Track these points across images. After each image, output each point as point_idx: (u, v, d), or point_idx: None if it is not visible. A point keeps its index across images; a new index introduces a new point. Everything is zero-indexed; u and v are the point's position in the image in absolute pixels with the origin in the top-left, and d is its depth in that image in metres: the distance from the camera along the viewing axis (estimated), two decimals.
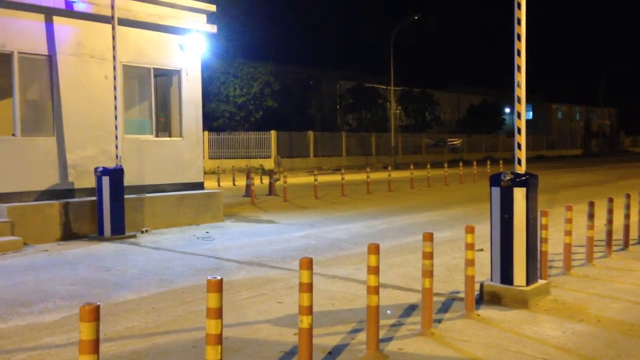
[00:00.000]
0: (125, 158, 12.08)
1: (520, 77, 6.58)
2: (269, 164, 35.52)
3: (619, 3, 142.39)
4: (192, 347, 5.22)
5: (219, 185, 23.79)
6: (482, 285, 6.66)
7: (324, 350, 5.10)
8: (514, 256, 6.45)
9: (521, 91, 6.58)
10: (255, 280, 7.80)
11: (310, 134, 42.00)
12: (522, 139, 6.58)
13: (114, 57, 11.52)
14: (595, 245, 8.89)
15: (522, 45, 6.57)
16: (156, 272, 8.34)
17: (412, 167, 24.35)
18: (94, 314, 3.11)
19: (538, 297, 6.54)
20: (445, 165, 26.70)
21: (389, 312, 6.00)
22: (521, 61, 6.57)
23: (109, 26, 11.68)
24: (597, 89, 77.59)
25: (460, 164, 28.64)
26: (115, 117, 11.62)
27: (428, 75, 69.29)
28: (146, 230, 11.95)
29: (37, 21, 11.29)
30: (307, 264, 4.43)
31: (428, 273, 5.51)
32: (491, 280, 6.68)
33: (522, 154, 6.57)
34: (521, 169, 6.55)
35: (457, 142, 55.95)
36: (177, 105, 13.76)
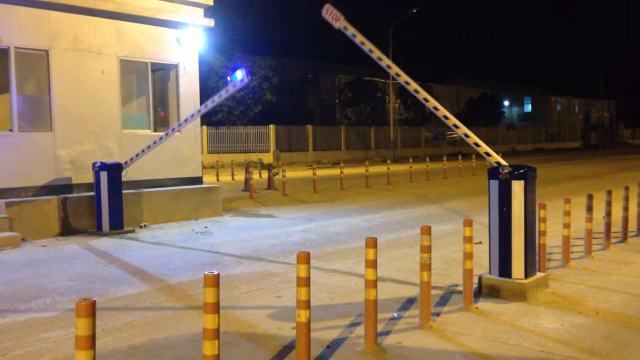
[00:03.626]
0: (123, 153, 12.06)
1: (433, 104, 7.04)
2: (267, 158, 35.49)
3: None
4: (190, 342, 5.21)
5: (217, 179, 23.80)
6: (480, 278, 6.66)
7: (322, 344, 5.09)
8: (513, 249, 6.45)
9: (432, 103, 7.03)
10: (253, 274, 7.79)
11: (309, 128, 41.95)
12: (473, 139, 6.82)
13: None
14: (594, 238, 8.90)
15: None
16: (155, 267, 8.33)
17: (411, 160, 24.34)
18: (90, 310, 3.11)
19: (536, 290, 6.54)
20: (444, 158, 26.72)
21: (395, 315, 5.91)
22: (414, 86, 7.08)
23: (106, 20, 11.61)
24: (597, 82, 77.45)
25: (459, 157, 28.64)
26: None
27: (427, 68, 69.24)
28: (145, 225, 11.94)
29: (33, 16, 11.24)
30: (305, 258, 4.42)
31: (426, 266, 5.51)
32: (490, 273, 6.68)
33: (484, 148, 6.73)
34: (495, 158, 6.58)
35: (456, 135, 55.68)
36: (174, 99, 13.72)
